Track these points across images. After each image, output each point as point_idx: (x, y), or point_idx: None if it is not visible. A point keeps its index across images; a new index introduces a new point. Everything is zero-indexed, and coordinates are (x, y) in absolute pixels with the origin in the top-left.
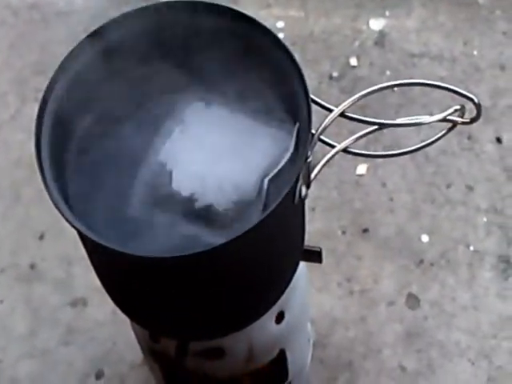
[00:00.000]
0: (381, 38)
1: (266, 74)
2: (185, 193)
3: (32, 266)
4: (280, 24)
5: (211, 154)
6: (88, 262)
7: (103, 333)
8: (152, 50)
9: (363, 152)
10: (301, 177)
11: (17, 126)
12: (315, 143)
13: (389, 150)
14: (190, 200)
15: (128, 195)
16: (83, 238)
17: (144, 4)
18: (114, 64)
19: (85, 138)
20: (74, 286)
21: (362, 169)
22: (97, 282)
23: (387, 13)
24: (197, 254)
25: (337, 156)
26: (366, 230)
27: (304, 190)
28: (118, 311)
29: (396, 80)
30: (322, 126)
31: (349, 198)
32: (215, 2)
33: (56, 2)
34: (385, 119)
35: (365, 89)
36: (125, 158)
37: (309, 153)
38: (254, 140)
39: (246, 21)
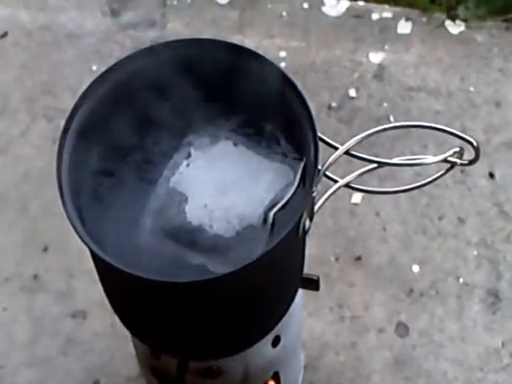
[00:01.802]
0: (380, 71)
1: (274, 110)
2: (193, 224)
3: (35, 277)
4: (282, 54)
5: (218, 187)
6: (89, 276)
7: (101, 345)
8: (159, 85)
9: (364, 188)
10: (305, 211)
11: (26, 141)
12: (320, 179)
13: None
14: (198, 231)
15: (138, 224)
16: (95, 257)
17: (149, 30)
18: (128, 97)
19: (100, 165)
20: (74, 298)
21: (356, 198)
22: (97, 295)
23: (386, 47)
24: (203, 282)
25: (333, 184)
26: (358, 258)
27: (308, 223)
28: (116, 325)
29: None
30: (327, 163)
31: (343, 225)
32: (223, 38)
33: (67, 25)
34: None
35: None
36: (136, 187)
37: (314, 188)
38: (258, 173)
39: (256, 57)
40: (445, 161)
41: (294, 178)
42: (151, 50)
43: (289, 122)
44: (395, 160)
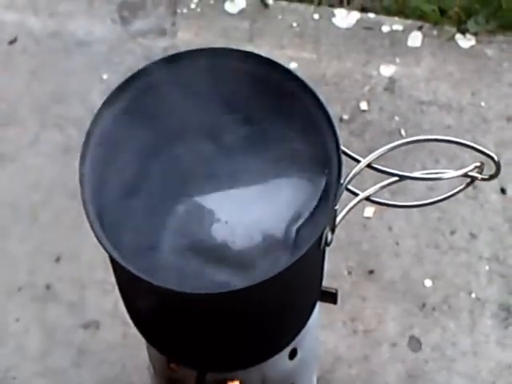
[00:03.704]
0: (391, 84)
1: (295, 123)
2: (215, 240)
3: (47, 287)
4: (293, 65)
5: (239, 203)
6: (101, 286)
7: (113, 356)
8: (179, 95)
9: (384, 201)
10: (328, 225)
11: (35, 150)
12: (342, 192)
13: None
14: (221, 247)
15: (160, 240)
16: (118, 271)
17: (159, 38)
18: (149, 108)
19: (121, 178)
20: (87, 308)
21: (369, 211)
22: (109, 305)
23: (397, 60)
24: (225, 294)
25: (345, 197)
26: (371, 272)
27: (330, 235)
28: (129, 335)
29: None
30: (350, 176)
31: (356, 239)
32: (240, 48)
33: (77, 32)
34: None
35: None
36: (157, 203)
37: (336, 201)
38: (279, 188)
39: (279, 69)
40: (465, 175)
41: (315, 192)
42: (168, 60)
43: (310, 135)
44: (416, 174)
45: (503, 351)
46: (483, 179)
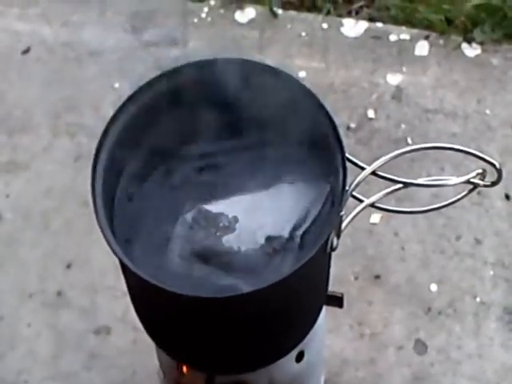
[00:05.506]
0: (398, 93)
1: (299, 130)
2: (221, 246)
3: (59, 293)
4: (302, 74)
5: (244, 209)
6: (112, 292)
7: (124, 361)
8: (186, 104)
9: (389, 207)
10: (333, 231)
11: (48, 157)
12: (347, 199)
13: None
14: (227, 253)
15: (168, 246)
16: (129, 274)
17: (171, 47)
18: (156, 118)
19: (130, 187)
20: (98, 314)
21: (375, 218)
22: (119, 311)
23: (404, 68)
24: (232, 298)
25: (351, 204)
26: (377, 277)
27: (335, 241)
28: (139, 341)
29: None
30: (355, 183)
31: (362, 245)
32: (246, 57)
33: (89, 42)
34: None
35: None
36: (164, 210)
37: (342, 208)
38: (285, 194)
39: (283, 77)
40: (468, 182)
41: (320, 198)
42: (177, 70)
43: (315, 142)
44: (420, 181)
45: (507, 353)
46: (485, 185)
